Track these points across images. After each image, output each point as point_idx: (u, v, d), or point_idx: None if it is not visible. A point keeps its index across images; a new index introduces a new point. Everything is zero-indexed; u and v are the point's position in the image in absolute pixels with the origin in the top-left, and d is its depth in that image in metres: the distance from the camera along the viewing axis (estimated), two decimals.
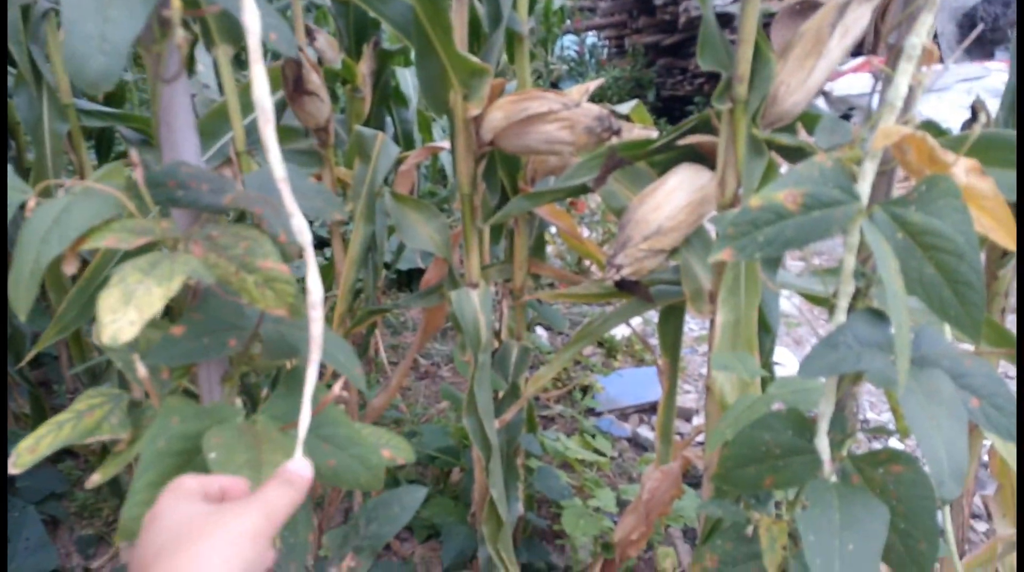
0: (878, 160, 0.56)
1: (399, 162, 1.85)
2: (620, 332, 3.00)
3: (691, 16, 7.28)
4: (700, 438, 2.03)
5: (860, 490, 0.54)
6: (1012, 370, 0.76)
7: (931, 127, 0.94)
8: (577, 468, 2.01)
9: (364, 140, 1.70)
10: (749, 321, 0.96)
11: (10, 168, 0.48)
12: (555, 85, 8.73)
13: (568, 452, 1.96)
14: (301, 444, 0.49)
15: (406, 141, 2.59)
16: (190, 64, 2.00)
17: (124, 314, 0.40)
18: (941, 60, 0.63)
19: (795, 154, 1.03)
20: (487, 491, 1.34)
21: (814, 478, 0.56)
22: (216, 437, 0.48)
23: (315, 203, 0.57)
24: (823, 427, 0.56)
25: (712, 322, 1.12)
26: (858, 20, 1.08)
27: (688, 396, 2.61)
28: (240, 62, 2.80)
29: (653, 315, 3.17)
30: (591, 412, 2.53)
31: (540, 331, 3.09)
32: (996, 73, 5.44)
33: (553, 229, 1.83)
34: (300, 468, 0.50)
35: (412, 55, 3.51)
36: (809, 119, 1.12)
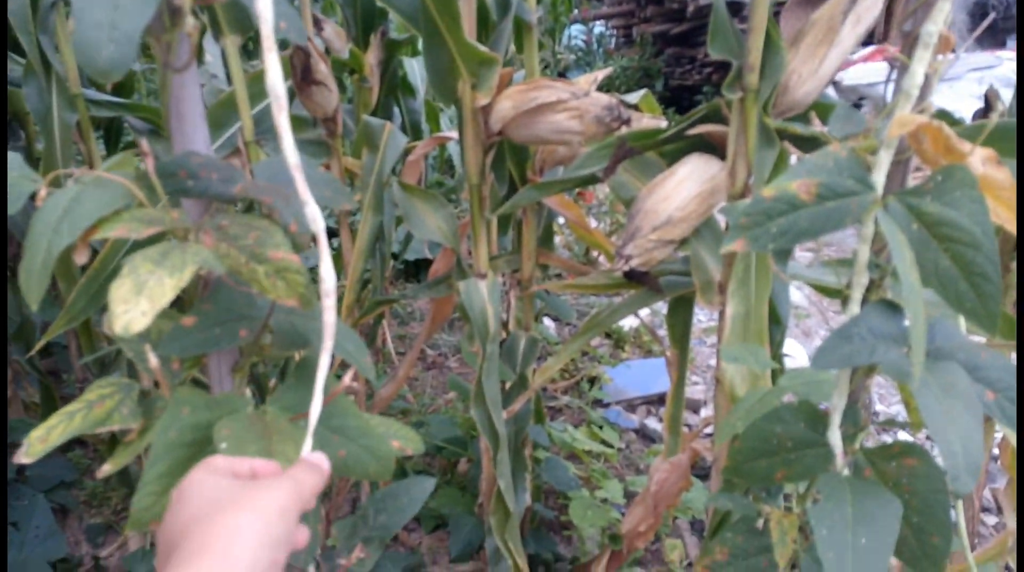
0: (893, 150, 0.55)
1: (407, 152, 1.84)
2: (628, 323, 3.00)
3: (699, 5, 7.24)
4: (708, 430, 2.04)
5: (873, 484, 0.53)
6: None
7: (944, 116, 0.93)
8: (584, 459, 2.01)
9: (372, 130, 1.70)
10: (759, 313, 0.96)
11: (20, 158, 0.48)
12: (562, 74, 8.70)
13: (576, 443, 1.96)
14: (311, 435, 0.49)
15: (414, 131, 2.59)
16: (199, 54, 1.99)
17: (136, 305, 0.40)
18: (953, 49, 0.62)
19: (808, 143, 1.03)
20: (495, 482, 1.34)
21: (826, 471, 0.56)
22: (227, 428, 0.48)
23: (325, 193, 0.57)
24: (836, 420, 0.56)
25: (721, 313, 1.12)
26: (870, 8, 1.07)
27: (696, 387, 2.61)
28: (247, 52, 2.80)
29: (661, 306, 3.17)
30: (598, 403, 2.53)
31: (547, 322, 3.09)
32: (1008, 62, 5.39)
33: (561, 219, 1.83)
34: (320, 458, 0.51)
35: (420, 45, 3.51)
36: (821, 108, 1.11)
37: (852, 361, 0.51)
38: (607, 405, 2.52)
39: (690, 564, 1.78)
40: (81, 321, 1.56)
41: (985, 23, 1.10)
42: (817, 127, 1.08)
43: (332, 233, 3.48)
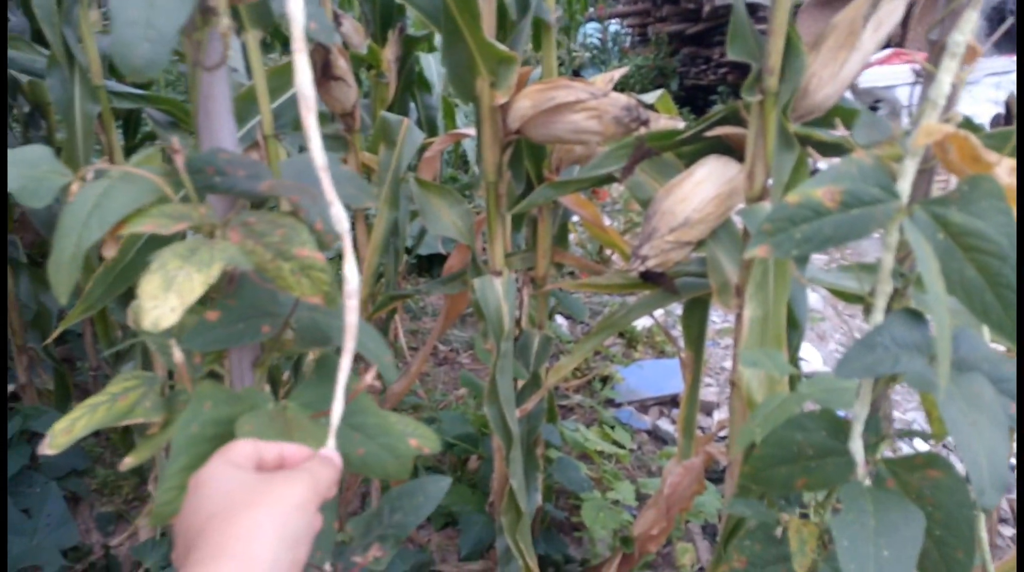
0: (919, 158, 0.55)
1: (423, 148, 1.85)
2: (641, 323, 2.99)
3: (715, 5, 7.20)
4: (723, 433, 2.03)
5: (895, 495, 0.53)
6: None
7: (967, 124, 0.92)
8: (596, 460, 2.01)
9: (389, 126, 1.70)
10: (778, 316, 0.95)
11: (49, 151, 0.48)
12: (577, 73, 8.68)
13: (588, 443, 1.95)
14: (334, 433, 0.49)
15: (429, 127, 2.59)
16: None
17: (165, 300, 0.40)
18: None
19: (827, 148, 1.02)
20: (506, 481, 1.34)
21: (847, 481, 0.55)
22: (248, 424, 0.49)
23: (348, 190, 0.57)
24: (858, 429, 0.55)
25: (738, 316, 1.11)
26: (892, 13, 1.06)
27: (709, 389, 2.60)
28: (265, 45, 2.80)
29: (675, 306, 3.16)
30: (610, 403, 2.53)
31: (560, 320, 3.09)
32: None
33: (575, 218, 1.83)
34: (333, 454, 0.51)
35: (437, 41, 3.51)
36: (840, 112, 1.10)
37: (875, 370, 0.51)
38: (619, 405, 2.51)
39: (702, 569, 1.78)
40: (98, 310, 1.58)
41: (1002, 28, 1.09)
42: (839, 132, 1.07)
43: None
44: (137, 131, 2.66)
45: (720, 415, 2.47)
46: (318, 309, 0.57)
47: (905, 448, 2.08)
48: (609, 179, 1.26)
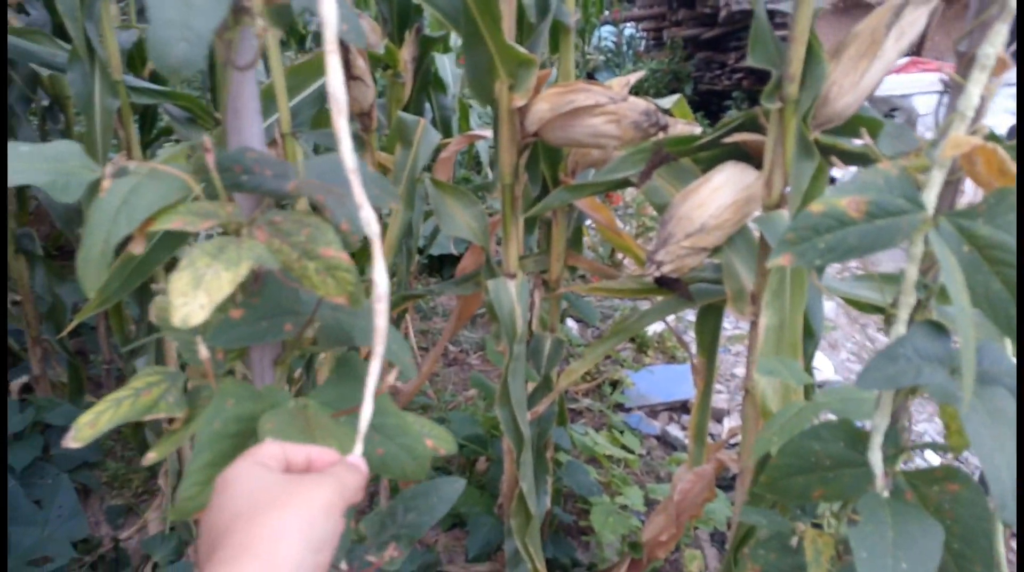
0: (946, 170, 0.55)
1: (439, 149, 1.85)
2: (652, 328, 2.98)
3: (732, 11, 7.17)
4: (733, 441, 2.02)
5: (914, 507, 0.53)
6: None
7: (992, 136, 0.92)
8: (605, 464, 2.01)
9: (406, 126, 1.70)
10: (794, 325, 0.95)
11: (79, 147, 0.49)
12: (591, 75, 8.67)
13: (597, 448, 1.95)
14: (362, 439, 0.49)
15: (444, 128, 2.60)
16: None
17: (194, 298, 0.41)
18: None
19: (852, 157, 1.02)
20: (516, 483, 1.34)
21: (865, 492, 0.55)
22: (270, 422, 0.49)
23: (372, 191, 0.57)
24: (877, 440, 0.55)
25: (753, 324, 1.11)
26: (914, 23, 1.06)
27: (719, 396, 2.59)
28: (281, 43, 2.81)
29: (686, 312, 3.15)
30: (620, 407, 2.52)
31: (570, 323, 3.08)
32: None
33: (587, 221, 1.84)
34: (360, 460, 0.51)
35: (452, 42, 3.51)
36: (860, 121, 1.10)
37: (897, 382, 0.51)
38: (629, 410, 2.51)
39: None
40: (113, 304, 1.59)
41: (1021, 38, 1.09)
42: (859, 140, 1.06)
43: None
44: (153, 126, 2.67)
45: (730, 422, 2.47)
46: (340, 309, 0.57)
47: (916, 460, 2.07)
48: (625, 183, 1.26)
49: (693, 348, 1.34)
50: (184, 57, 0.37)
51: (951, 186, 0.59)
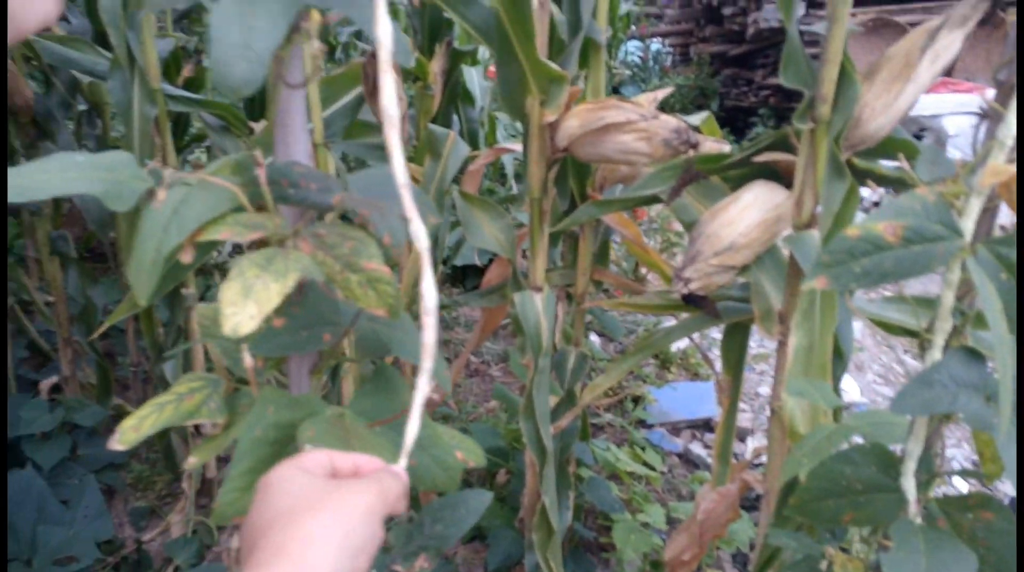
0: (984, 198, 0.55)
1: (467, 161, 1.86)
2: (675, 344, 2.97)
3: (760, 28, 7.16)
4: (757, 461, 2.00)
5: (947, 534, 0.52)
6: None
7: None
8: (626, 480, 2.00)
9: (435, 138, 1.72)
10: (824, 346, 0.95)
11: (130, 156, 0.50)
12: (616, 90, 8.69)
13: (619, 464, 1.94)
14: (407, 454, 0.49)
15: (471, 140, 2.62)
16: None
17: (244, 308, 0.42)
18: None
19: (888, 181, 1.01)
20: (538, 497, 1.34)
21: (897, 518, 0.55)
22: (310, 429, 0.50)
23: None
24: (911, 466, 0.55)
25: (780, 344, 1.11)
26: (949, 46, 1.06)
27: (743, 415, 2.57)
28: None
29: (710, 329, 3.13)
30: (642, 424, 2.51)
31: (593, 337, 3.08)
32: None
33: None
34: (401, 470, 0.51)
35: (481, 55, 3.53)
36: (892, 143, 1.09)
37: (933, 408, 0.50)
38: (650, 426, 2.50)
39: None
40: (143, 308, 1.61)
41: None
42: (893, 164, 1.06)
43: None
44: (185, 133, 2.72)
45: (754, 442, 2.45)
46: (378, 320, 0.58)
47: (942, 487, 2.04)
48: (654, 200, 1.26)
49: (717, 365, 1.34)
50: (245, 76, 0.39)
51: (988, 213, 0.59)
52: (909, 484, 0.55)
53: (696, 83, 8.79)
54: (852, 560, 0.59)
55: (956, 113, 5.09)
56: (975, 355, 0.54)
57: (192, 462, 0.58)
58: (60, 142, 1.99)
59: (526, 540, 1.42)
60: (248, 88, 0.39)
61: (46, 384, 2.24)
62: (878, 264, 0.53)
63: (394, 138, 0.41)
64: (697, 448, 2.38)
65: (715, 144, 1.36)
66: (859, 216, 1.01)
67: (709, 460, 2.30)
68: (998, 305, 0.49)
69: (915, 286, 3.09)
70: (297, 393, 0.60)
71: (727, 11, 8.02)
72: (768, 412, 1.15)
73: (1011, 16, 0.76)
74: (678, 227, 3.53)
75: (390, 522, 0.59)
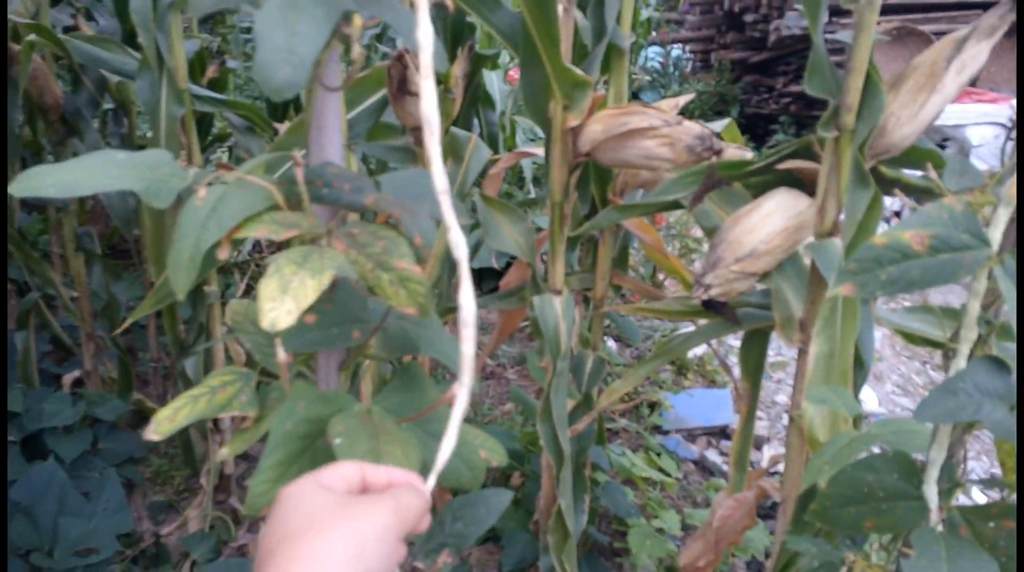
0: (1012, 208, 0.55)
1: (488, 165, 1.88)
2: (692, 350, 2.97)
3: (781, 35, 7.13)
4: (774, 469, 1.99)
5: (969, 543, 0.52)
6: None
7: None
8: (641, 486, 2.00)
9: (457, 141, 1.73)
10: (845, 354, 0.95)
11: (170, 155, 0.52)
12: (635, 95, 8.68)
13: (634, 469, 1.94)
14: (436, 473, 0.48)
15: (491, 144, 2.63)
16: None
17: (282, 303, 0.43)
18: None
19: (915, 190, 1.02)
20: (554, 500, 1.35)
21: (919, 525, 0.55)
22: (340, 424, 0.51)
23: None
24: (933, 474, 0.55)
25: (801, 351, 1.11)
26: (976, 57, 1.06)
27: (760, 423, 2.56)
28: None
29: (727, 337, 3.12)
30: (657, 430, 2.51)
31: (610, 343, 3.08)
32: None
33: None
34: (419, 481, 0.50)
35: (502, 60, 3.54)
36: (916, 153, 1.09)
37: (957, 416, 0.51)
38: (666, 433, 2.49)
39: None
40: (167, 304, 1.63)
41: None
42: (919, 173, 1.06)
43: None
44: (208, 133, 2.75)
45: (771, 450, 2.44)
46: (406, 318, 0.59)
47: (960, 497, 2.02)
48: (676, 205, 1.26)
49: (735, 373, 1.34)
50: (288, 80, 0.40)
51: (1014, 223, 0.59)
52: (931, 492, 0.55)
53: (716, 90, 8.77)
54: (873, 567, 0.59)
55: (980, 123, 5.04)
56: (1000, 365, 0.54)
57: (223, 453, 0.59)
58: (87, 140, 2.02)
59: (541, 542, 1.43)
60: (291, 91, 0.40)
61: (68, 378, 2.27)
62: (904, 272, 0.53)
63: (433, 145, 0.42)
64: (713, 455, 2.38)
65: (738, 151, 1.36)
66: (880, 226, 1.01)
67: (725, 467, 2.29)
68: None
69: (936, 297, 3.06)
70: (325, 389, 0.61)
71: (749, 18, 7.99)
72: (785, 420, 1.15)
73: None
74: (696, 233, 3.53)
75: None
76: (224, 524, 1.93)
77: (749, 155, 1.29)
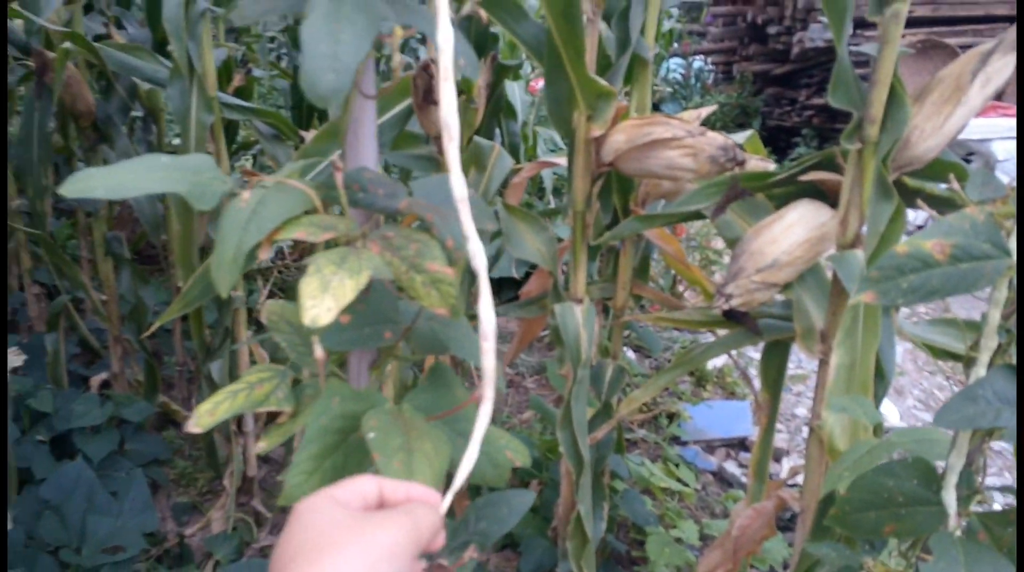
0: None
1: (510, 174, 1.89)
2: (712, 362, 2.97)
3: (805, 47, 7.12)
4: (792, 481, 1.99)
5: (987, 548, 0.53)
6: None
7: None
8: (659, 496, 2.00)
9: (481, 150, 1.76)
10: (866, 365, 0.95)
11: (211, 160, 0.54)
12: (656, 107, 8.69)
13: (653, 479, 1.95)
14: (452, 493, 0.49)
15: (513, 153, 2.65)
16: None
17: (322, 301, 0.45)
18: None
19: (938, 202, 1.02)
20: (573, 506, 1.36)
21: (937, 530, 0.56)
22: (373, 420, 0.52)
23: (471, 211, 0.61)
24: (952, 480, 0.56)
25: (822, 363, 1.11)
26: (1001, 70, 1.06)
27: (779, 435, 2.56)
28: None
29: (746, 348, 3.11)
30: (676, 440, 2.51)
31: (629, 353, 3.09)
32: None
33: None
34: (436, 496, 0.50)
35: (523, 70, 3.57)
36: (940, 165, 1.10)
37: (976, 423, 0.51)
38: (685, 444, 2.49)
39: None
40: (194, 308, 1.66)
41: None
42: (943, 185, 1.07)
43: None
44: (233, 141, 2.80)
45: (789, 462, 2.43)
46: (436, 319, 0.61)
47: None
48: (697, 215, 1.27)
49: (755, 384, 1.34)
50: (333, 86, 0.42)
51: None
52: (950, 497, 0.56)
53: (738, 102, 8.76)
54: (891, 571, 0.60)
55: (1006, 137, 5.00)
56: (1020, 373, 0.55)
57: (261, 447, 0.61)
58: (118, 147, 2.07)
59: (559, 549, 1.44)
60: (336, 97, 0.42)
61: (96, 380, 2.31)
62: (925, 281, 0.54)
63: (452, 151, 0.43)
64: (732, 467, 2.37)
65: (760, 162, 1.37)
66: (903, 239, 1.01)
67: (743, 479, 2.29)
68: None
69: (960, 312, 3.04)
70: (356, 386, 0.63)
71: (772, 30, 7.98)
72: (805, 433, 1.15)
73: None
74: (717, 245, 3.53)
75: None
76: (246, 525, 1.95)
77: (772, 166, 1.30)
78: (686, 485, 2.08)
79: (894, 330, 1.04)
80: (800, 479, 1.19)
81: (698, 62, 10.49)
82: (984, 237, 0.55)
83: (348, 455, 0.54)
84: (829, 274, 1.15)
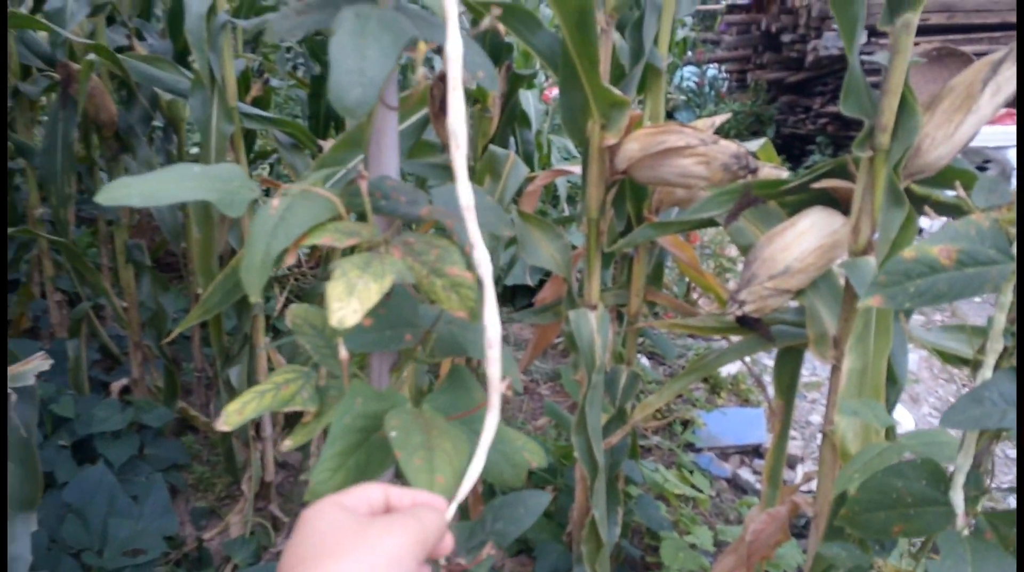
0: None
1: (525, 182, 1.91)
2: (726, 369, 2.97)
3: (819, 55, 7.12)
4: (806, 486, 1.99)
5: (994, 547, 0.54)
6: None
7: None
8: (674, 502, 2.00)
9: (496, 159, 1.78)
10: (878, 369, 0.96)
11: (239, 168, 0.56)
12: (670, 115, 8.70)
13: (667, 485, 1.95)
14: (458, 501, 0.50)
15: (527, 161, 2.67)
16: None
17: (348, 303, 0.47)
18: None
19: (945, 208, 1.03)
20: (588, 511, 1.37)
21: (946, 530, 0.57)
22: (395, 419, 0.54)
23: (488, 218, 0.63)
24: (960, 480, 0.57)
25: (834, 368, 1.12)
26: (1012, 78, 1.07)
27: (793, 443, 2.55)
28: None
29: (760, 355, 3.11)
30: (690, 447, 2.51)
31: (643, 360, 3.09)
32: None
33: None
34: (439, 500, 0.50)
35: (537, 79, 3.59)
36: (952, 173, 1.11)
37: (982, 424, 0.53)
38: (699, 450, 2.50)
39: None
40: (214, 314, 1.69)
41: None
42: (952, 192, 1.08)
43: None
44: (251, 150, 2.84)
45: (804, 469, 2.43)
46: (455, 322, 0.63)
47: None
48: (711, 223, 1.29)
49: (769, 391, 1.35)
50: (360, 99, 0.44)
51: None
52: (958, 497, 0.57)
53: (752, 110, 8.76)
54: (900, 571, 0.61)
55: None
56: None
57: (287, 444, 0.63)
58: (139, 157, 2.11)
59: (574, 553, 1.45)
60: (362, 109, 0.44)
61: (116, 386, 2.35)
62: (932, 285, 0.56)
63: (459, 159, 0.45)
64: (746, 473, 2.37)
65: (773, 170, 1.38)
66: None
67: (758, 486, 2.29)
68: None
69: (975, 318, 3.03)
70: (377, 388, 0.65)
71: (786, 38, 7.99)
72: (819, 440, 1.16)
73: None
74: (731, 253, 3.53)
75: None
76: (264, 530, 1.98)
77: (785, 174, 1.31)
78: (700, 492, 2.08)
79: (905, 335, 1.05)
80: (814, 484, 1.20)
81: (712, 70, 10.50)
82: (989, 242, 0.56)
83: (371, 453, 0.56)
84: (841, 280, 1.16)
